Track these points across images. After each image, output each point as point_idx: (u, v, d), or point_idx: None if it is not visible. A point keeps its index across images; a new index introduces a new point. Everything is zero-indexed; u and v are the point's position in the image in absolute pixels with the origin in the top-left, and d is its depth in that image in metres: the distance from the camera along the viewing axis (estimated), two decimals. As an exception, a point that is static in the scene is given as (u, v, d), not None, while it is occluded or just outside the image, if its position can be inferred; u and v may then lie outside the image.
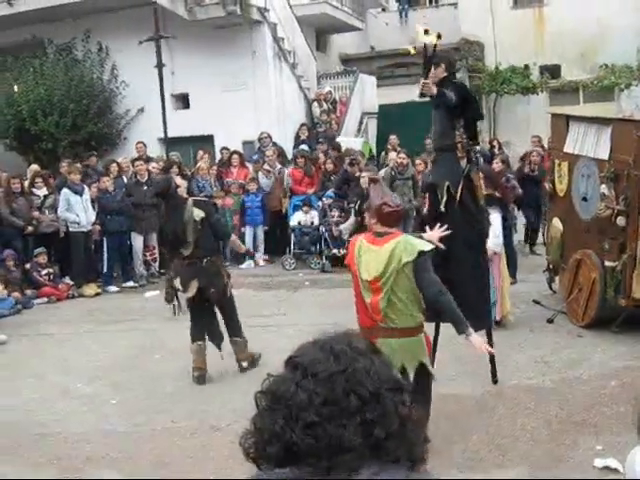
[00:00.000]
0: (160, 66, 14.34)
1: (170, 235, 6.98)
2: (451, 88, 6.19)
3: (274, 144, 14.53)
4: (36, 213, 11.48)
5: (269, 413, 1.49)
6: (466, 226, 6.21)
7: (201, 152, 14.03)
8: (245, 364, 7.05)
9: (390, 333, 4.53)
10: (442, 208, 6.22)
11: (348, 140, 15.36)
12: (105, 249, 11.70)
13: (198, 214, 6.87)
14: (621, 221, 7.24)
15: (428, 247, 4.51)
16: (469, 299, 5.70)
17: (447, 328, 7.24)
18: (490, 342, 6.32)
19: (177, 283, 6.97)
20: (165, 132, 14.51)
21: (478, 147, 7.36)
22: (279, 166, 13.29)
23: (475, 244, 6.36)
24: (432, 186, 6.43)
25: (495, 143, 14.29)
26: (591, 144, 7.93)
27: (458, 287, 5.84)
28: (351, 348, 1.52)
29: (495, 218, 7.84)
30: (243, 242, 13.01)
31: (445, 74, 6.35)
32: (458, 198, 6.20)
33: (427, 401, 4.69)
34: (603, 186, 7.49)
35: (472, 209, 6.30)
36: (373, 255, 4.51)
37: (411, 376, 4.55)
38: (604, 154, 7.61)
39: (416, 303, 4.59)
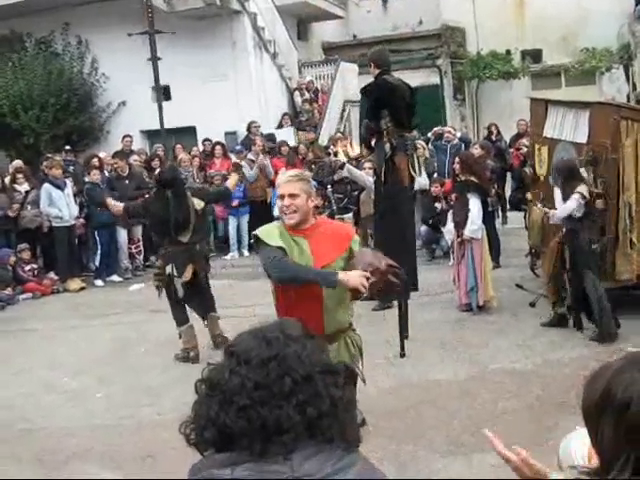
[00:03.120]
0: (155, 59, 14.01)
1: (179, 222, 7.12)
2: (372, 86, 6.96)
3: (261, 134, 14.53)
4: (16, 206, 11.36)
5: (206, 400, 1.58)
6: (393, 201, 7.09)
7: (179, 146, 14.03)
8: (220, 339, 7.19)
9: None
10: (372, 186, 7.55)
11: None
12: (98, 243, 11.62)
13: (199, 203, 7.28)
14: (600, 204, 7.30)
15: None
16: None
17: (431, 313, 7.32)
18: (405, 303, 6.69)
19: (170, 269, 7.15)
20: (161, 122, 14.25)
21: (411, 134, 7.93)
22: (261, 156, 13.26)
23: (402, 218, 7.23)
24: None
25: (493, 129, 13.89)
26: (570, 128, 7.99)
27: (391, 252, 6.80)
28: (284, 335, 1.60)
29: (473, 204, 7.87)
30: (227, 233, 13.05)
31: (377, 71, 7.04)
32: (383, 178, 7.06)
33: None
34: (582, 170, 7.53)
35: (396, 188, 7.06)
36: None
37: None
38: (582, 138, 7.66)
39: None
